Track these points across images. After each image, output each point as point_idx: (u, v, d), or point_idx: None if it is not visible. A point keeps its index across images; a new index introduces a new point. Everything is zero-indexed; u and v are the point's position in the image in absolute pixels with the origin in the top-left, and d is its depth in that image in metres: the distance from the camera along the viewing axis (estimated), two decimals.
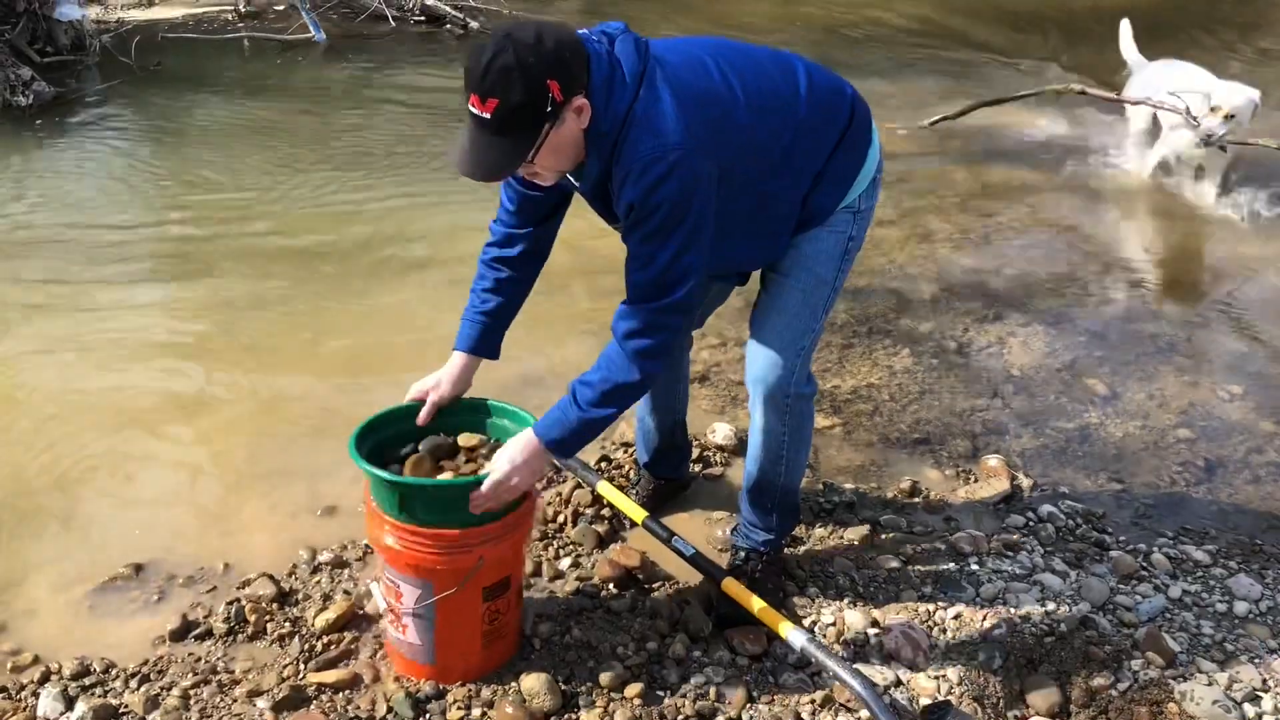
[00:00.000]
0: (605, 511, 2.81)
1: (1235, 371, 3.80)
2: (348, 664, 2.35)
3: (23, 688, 2.29)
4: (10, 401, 3.32)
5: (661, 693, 2.28)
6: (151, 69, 6.58)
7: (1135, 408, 3.52)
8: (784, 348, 2.31)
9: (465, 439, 2.28)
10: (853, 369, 3.62)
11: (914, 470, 3.12)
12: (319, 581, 2.60)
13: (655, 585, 2.59)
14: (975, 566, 2.70)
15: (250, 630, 2.44)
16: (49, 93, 6.04)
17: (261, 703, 2.24)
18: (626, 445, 3.10)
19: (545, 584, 2.60)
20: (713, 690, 2.29)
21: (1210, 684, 2.36)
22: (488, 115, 1.85)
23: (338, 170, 5.22)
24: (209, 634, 2.43)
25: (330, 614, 2.44)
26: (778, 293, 2.31)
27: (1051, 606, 2.55)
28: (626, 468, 3.02)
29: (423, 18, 7.83)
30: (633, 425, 2.92)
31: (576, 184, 2.11)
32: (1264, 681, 2.38)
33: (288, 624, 2.45)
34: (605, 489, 2.74)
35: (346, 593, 2.55)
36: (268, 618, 2.47)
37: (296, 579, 2.61)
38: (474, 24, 7.70)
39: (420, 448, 2.25)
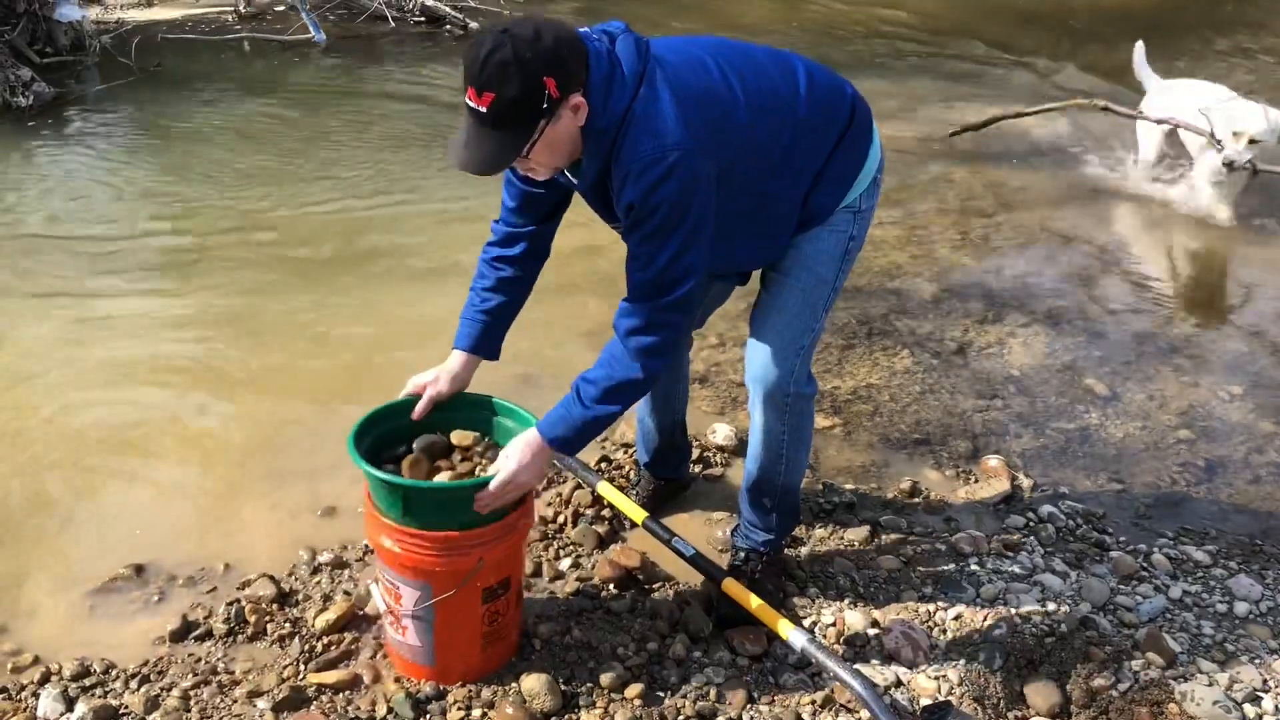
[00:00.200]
0: (605, 512, 2.81)
1: (1235, 372, 3.80)
2: (348, 665, 2.35)
3: (23, 688, 2.29)
4: (9, 403, 3.32)
5: (662, 693, 2.28)
6: (151, 70, 6.57)
7: (1135, 408, 3.52)
8: (784, 347, 2.31)
9: (459, 437, 2.28)
10: (853, 369, 3.62)
11: (914, 471, 3.12)
12: (319, 582, 2.60)
13: (655, 586, 2.59)
14: (975, 567, 2.70)
15: (250, 631, 2.44)
16: (49, 93, 6.04)
17: (261, 703, 2.23)
18: (626, 446, 3.10)
19: (545, 584, 2.59)
20: (713, 691, 2.28)
21: (1211, 684, 2.36)
22: (484, 109, 1.86)
23: (338, 170, 5.22)
24: (209, 634, 2.43)
25: (330, 614, 2.44)
26: (778, 292, 2.31)
27: (1052, 607, 2.55)
28: (626, 468, 3.02)
29: (422, 18, 7.82)
30: (633, 426, 2.92)
31: (574, 181, 2.11)
32: (1264, 682, 2.38)
33: (288, 624, 2.45)
34: (605, 489, 2.74)
35: (346, 593, 2.55)
36: (268, 618, 2.47)
37: (296, 579, 2.61)
38: (474, 25, 7.69)
39: (415, 446, 2.24)
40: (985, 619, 2.49)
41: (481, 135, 1.90)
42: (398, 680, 2.29)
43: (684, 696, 2.27)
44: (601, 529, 2.77)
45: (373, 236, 4.55)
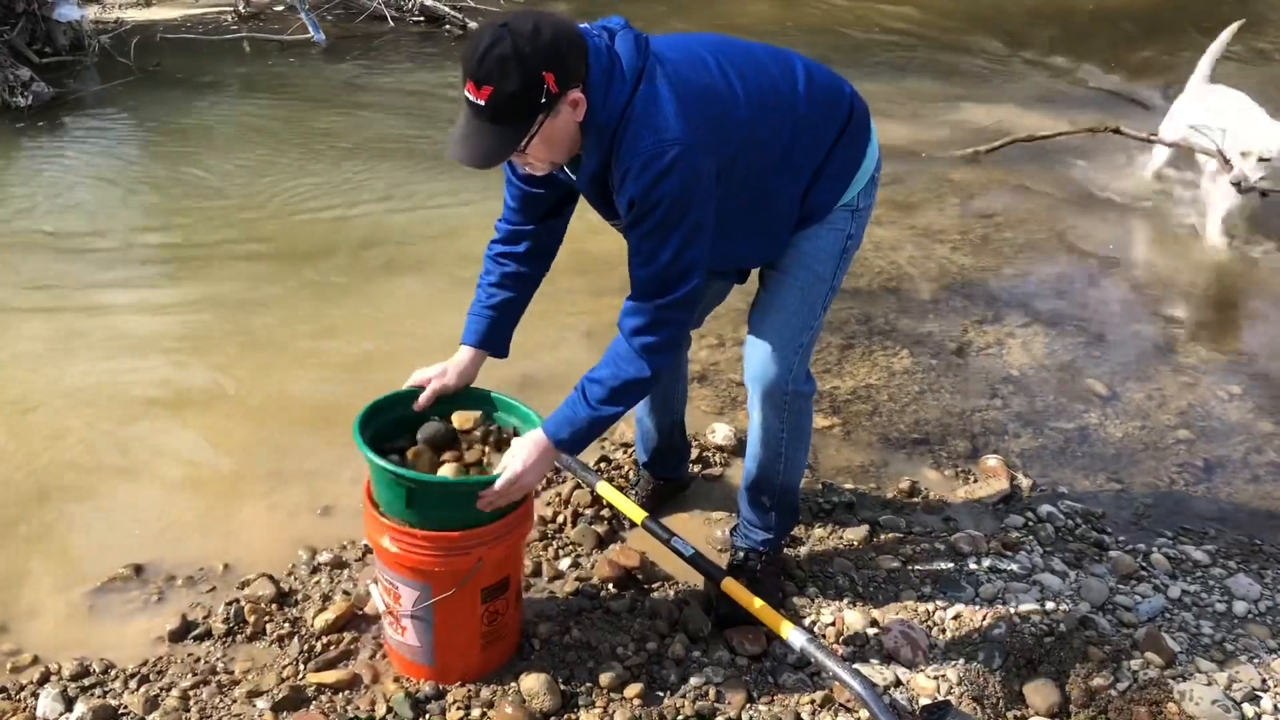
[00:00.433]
0: (605, 512, 2.81)
1: (1235, 371, 3.80)
2: (347, 664, 2.35)
3: (22, 688, 2.29)
4: (8, 404, 3.32)
5: (661, 693, 2.28)
6: (150, 70, 6.57)
7: (1134, 408, 3.52)
8: (782, 345, 2.31)
9: (459, 419, 2.26)
10: (852, 369, 3.62)
11: (913, 470, 3.12)
12: (318, 582, 2.60)
13: (655, 585, 2.59)
14: (974, 566, 2.70)
15: (250, 631, 2.44)
16: (48, 93, 6.04)
17: (261, 703, 2.24)
18: (626, 446, 3.10)
19: (545, 584, 2.60)
20: (712, 690, 2.29)
21: (1209, 684, 2.36)
22: (482, 102, 1.86)
23: (338, 171, 5.21)
24: (208, 634, 2.43)
25: (330, 614, 2.44)
26: (776, 290, 2.31)
27: (1051, 606, 2.55)
28: (626, 468, 3.02)
29: (421, 18, 7.82)
30: (632, 426, 2.92)
31: (572, 178, 2.11)
32: (1263, 681, 2.39)
33: (287, 624, 2.45)
34: (604, 489, 2.74)
35: (346, 593, 2.55)
36: (267, 618, 2.47)
37: (296, 579, 2.61)
38: (473, 24, 7.69)
39: (419, 437, 2.23)
40: (984, 618, 2.49)
41: (480, 129, 1.90)
42: (397, 680, 2.29)
43: (683, 696, 2.27)
44: (601, 529, 2.77)
45: (374, 237, 4.55)
